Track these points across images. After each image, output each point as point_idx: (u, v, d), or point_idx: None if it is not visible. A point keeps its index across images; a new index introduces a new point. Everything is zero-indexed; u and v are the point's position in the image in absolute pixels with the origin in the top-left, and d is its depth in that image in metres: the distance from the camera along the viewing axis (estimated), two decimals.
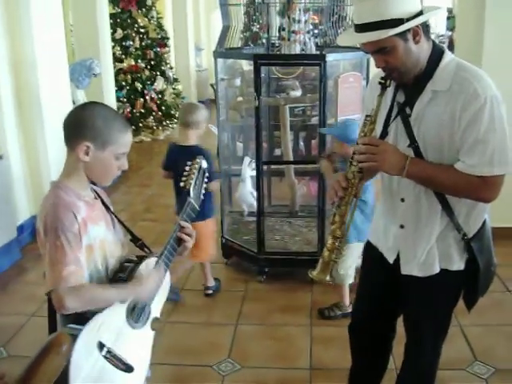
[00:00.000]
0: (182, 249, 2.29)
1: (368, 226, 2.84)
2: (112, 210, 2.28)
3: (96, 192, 2.21)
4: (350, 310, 4.03)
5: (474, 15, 5.19)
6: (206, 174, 2.42)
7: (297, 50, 4.79)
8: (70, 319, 1.95)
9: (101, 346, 1.95)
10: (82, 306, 1.92)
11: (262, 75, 4.53)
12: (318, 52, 4.95)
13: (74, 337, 1.85)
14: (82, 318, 1.93)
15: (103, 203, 2.22)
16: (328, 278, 2.31)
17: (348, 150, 3.62)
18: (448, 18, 14.95)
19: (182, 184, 2.32)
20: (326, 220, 4.61)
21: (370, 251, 2.63)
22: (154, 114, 10.42)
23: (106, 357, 1.95)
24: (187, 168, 2.35)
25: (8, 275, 4.96)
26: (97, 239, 2.06)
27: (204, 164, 2.40)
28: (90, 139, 2.00)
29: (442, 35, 14.84)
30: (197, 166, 2.36)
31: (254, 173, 5.01)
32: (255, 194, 5.04)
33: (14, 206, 5.32)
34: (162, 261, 2.18)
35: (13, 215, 5.27)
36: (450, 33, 14.58)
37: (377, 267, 2.59)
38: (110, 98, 8.41)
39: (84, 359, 1.87)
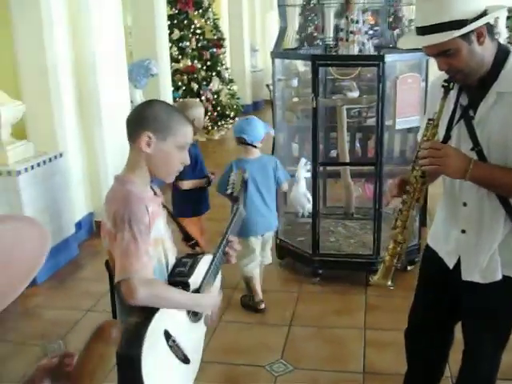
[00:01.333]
0: (225, 260, 2.32)
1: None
2: (168, 209, 2.31)
3: (154, 190, 2.24)
4: (260, 306, 4.29)
5: None
6: (248, 186, 2.52)
7: (355, 50, 4.75)
8: (131, 311, 1.97)
9: (167, 334, 1.99)
10: (151, 300, 1.96)
11: (319, 76, 4.51)
12: (377, 53, 4.91)
13: (139, 326, 1.89)
14: (144, 310, 1.96)
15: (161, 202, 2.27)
16: (390, 282, 2.28)
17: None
18: (508, 18, 14.53)
19: (228, 191, 2.43)
20: (382, 222, 4.56)
21: (430, 255, 2.58)
22: (209, 114, 10.49)
23: (170, 346, 2.00)
24: (232, 176, 2.45)
25: (65, 271, 5.08)
26: (160, 233, 2.12)
27: (246, 176, 2.46)
28: (151, 130, 2.05)
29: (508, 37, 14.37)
30: (240, 177, 2.42)
31: (308, 174, 5.01)
32: (309, 196, 5.04)
33: (72, 203, 5.44)
34: (219, 258, 2.22)
35: (71, 212, 5.38)
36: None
37: (436, 272, 2.55)
38: (167, 98, 8.49)
39: (152, 347, 1.91)
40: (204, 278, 2.16)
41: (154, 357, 1.92)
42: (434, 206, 2.64)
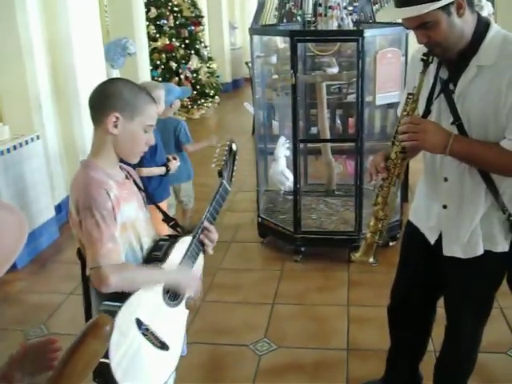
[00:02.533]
0: (207, 247, 2.25)
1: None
2: (143, 189, 2.26)
3: (127, 172, 2.20)
4: None
5: None
6: (237, 157, 2.40)
7: (334, 26, 4.70)
8: (105, 297, 1.94)
9: (139, 322, 1.95)
10: (124, 285, 1.92)
11: (298, 52, 4.46)
12: (356, 28, 4.87)
13: (112, 313, 1.85)
14: (118, 296, 1.92)
15: (135, 183, 2.21)
16: (371, 259, 2.28)
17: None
18: None
19: (213, 166, 2.29)
20: (364, 199, 4.56)
21: (411, 230, 2.58)
22: None
23: (143, 334, 1.96)
24: (217, 150, 2.32)
25: (46, 254, 5.03)
26: (129, 218, 2.05)
27: (234, 146, 2.37)
28: (118, 109, 1.98)
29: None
30: (227, 147, 2.34)
31: (287, 153, 4.99)
32: (287, 174, 5.02)
33: (51, 185, 5.37)
34: (195, 246, 2.17)
35: (50, 194, 5.32)
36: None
37: (418, 247, 2.54)
38: (145, 78, 8.40)
39: (123, 335, 1.88)
40: (181, 262, 2.12)
41: (125, 346, 1.88)
42: (416, 181, 2.63)
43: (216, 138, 4.83)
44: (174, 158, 4.22)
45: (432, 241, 2.42)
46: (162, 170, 4.09)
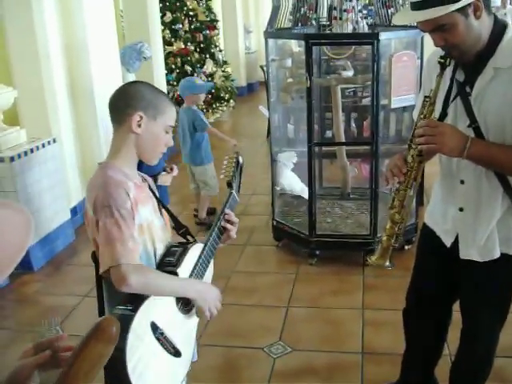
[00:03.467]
0: (226, 237, 2.26)
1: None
2: (157, 196, 2.26)
3: (142, 176, 2.20)
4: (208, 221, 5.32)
5: None
6: (243, 170, 2.43)
7: (349, 29, 4.70)
8: (117, 301, 1.93)
9: (154, 326, 1.94)
10: (143, 287, 1.91)
11: (313, 56, 4.46)
12: (371, 31, 4.86)
13: (125, 317, 1.84)
14: (130, 300, 1.91)
15: (149, 188, 2.21)
16: (388, 263, 2.27)
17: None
18: None
19: (221, 176, 2.33)
20: (379, 202, 4.55)
21: (427, 233, 2.57)
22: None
23: (158, 338, 1.94)
24: (225, 162, 2.35)
25: (62, 256, 5.07)
26: (146, 221, 2.05)
27: (241, 159, 2.41)
28: (141, 109, 2.01)
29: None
30: (234, 160, 2.36)
31: (291, 165, 5.07)
32: (295, 185, 5.06)
33: (67, 188, 5.41)
34: (209, 249, 2.17)
35: (66, 197, 5.36)
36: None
37: (433, 250, 2.53)
38: (160, 81, 8.45)
39: (139, 339, 1.86)
40: (194, 268, 2.11)
41: (141, 350, 1.87)
42: (431, 184, 2.61)
43: (235, 144, 5.51)
44: (172, 169, 4.20)
45: (448, 244, 2.41)
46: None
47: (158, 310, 1.98)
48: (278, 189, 5.11)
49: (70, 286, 4.52)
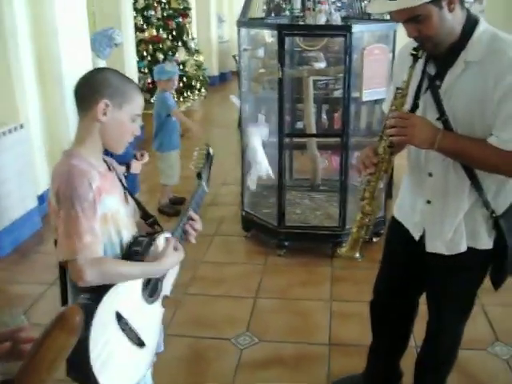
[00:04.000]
0: (185, 238, 2.23)
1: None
2: (125, 184, 2.23)
3: (109, 164, 2.15)
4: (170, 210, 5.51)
5: None
6: (213, 162, 2.42)
7: (322, 20, 4.69)
8: (82, 289, 1.90)
9: (119, 316, 1.92)
10: (102, 279, 1.88)
11: (286, 46, 4.45)
12: (344, 23, 4.86)
13: (89, 306, 1.82)
14: (95, 289, 1.89)
15: (117, 176, 2.17)
16: (357, 254, 2.27)
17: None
18: None
19: (192, 167, 2.31)
20: (348, 194, 4.56)
21: (395, 226, 2.58)
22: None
23: (122, 328, 1.92)
24: (195, 153, 2.34)
25: (28, 244, 4.99)
26: (111, 210, 2.00)
27: (211, 151, 2.39)
28: (107, 97, 1.95)
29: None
30: (205, 151, 2.35)
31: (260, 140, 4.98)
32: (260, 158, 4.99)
33: (35, 175, 5.32)
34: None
35: (33, 184, 5.27)
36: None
37: (401, 243, 2.54)
38: (132, 69, 8.36)
39: (103, 327, 1.84)
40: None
41: (105, 339, 1.85)
42: (400, 178, 2.62)
43: (200, 131, 5.65)
44: (142, 156, 4.15)
45: (416, 237, 2.42)
46: (121, 169, 3.98)
47: (123, 299, 1.95)
48: (251, 173, 5.04)
49: (37, 274, 4.45)
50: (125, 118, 2.01)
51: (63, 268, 1.97)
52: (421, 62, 2.17)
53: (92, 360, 1.79)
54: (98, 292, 1.87)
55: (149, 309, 2.08)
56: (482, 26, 2.10)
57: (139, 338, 2.00)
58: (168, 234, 2.15)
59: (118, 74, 2.06)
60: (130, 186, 3.99)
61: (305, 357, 3.45)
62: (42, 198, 5.41)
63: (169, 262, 2.07)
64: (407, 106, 2.21)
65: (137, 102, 2.04)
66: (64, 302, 2.06)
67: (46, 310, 3.85)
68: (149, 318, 2.10)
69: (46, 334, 1.29)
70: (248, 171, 5.04)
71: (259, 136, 4.91)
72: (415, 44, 2.12)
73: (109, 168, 2.11)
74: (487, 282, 2.45)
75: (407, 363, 2.91)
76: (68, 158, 1.97)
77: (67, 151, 2.02)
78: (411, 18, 2.02)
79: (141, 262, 2.03)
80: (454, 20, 2.05)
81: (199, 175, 2.30)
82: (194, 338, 3.63)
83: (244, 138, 5.03)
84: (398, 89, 2.17)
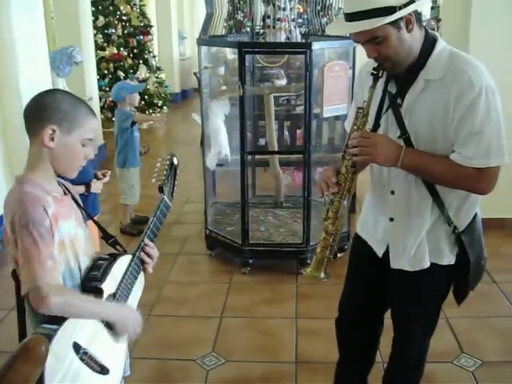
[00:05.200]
0: (144, 268, 2.19)
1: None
2: (81, 205, 2.18)
3: (65, 187, 2.10)
4: (132, 231, 5.43)
5: (460, 3, 5.16)
6: (177, 171, 2.35)
7: (282, 38, 4.72)
8: (42, 319, 1.84)
9: (76, 346, 1.85)
10: (62, 309, 1.81)
11: (247, 64, 4.46)
12: (304, 40, 4.89)
13: (49, 337, 1.75)
14: (56, 319, 1.82)
15: (73, 199, 2.12)
16: (322, 275, 2.26)
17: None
18: (432, 8, 14.88)
19: (153, 180, 2.25)
20: (312, 210, 4.57)
21: (359, 243, 2.58)
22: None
23: (81, 358, 1.86)
24: (158, 164, 2.27)
25: None
26: (67, 236, 1.95)
27: (175, 160, 2.33)
28: (55, 122, 1.89)
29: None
30: (168, 162, 2.28)
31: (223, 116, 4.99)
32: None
33: None
34: (135, 265, 2.12)
35: None
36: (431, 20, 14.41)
37: (365, 260, 2.54)
38: (92, 87, 8.28)
39: (59, 361, 1.77)
40: (121, 281, 2.05)
41: (63, 373, 1.77)
42: (363, 192, 2.63)
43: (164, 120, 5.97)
44: (104, 176, 4.09)
45: (380, 254, 2.43)
46: (80, 189, 3.81)
47: (81, 327, 1.89)
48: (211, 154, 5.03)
49: None
50: (74, 142, 1.95)
51: (20, 299, 1.91)
52: (382, 81, 2.18)
53: None
54: (59, 323, 1.81)
55: (110, 334, 2.03)
56: (441, 45, 2.13)
57: (102, 366, 1.94)
58: (128, 256, 2.11)
59: (68, 96, 2.00)
60: (91, 207, 3.93)
61: (272, 376, 3.42)
62: (0, 220, 5.29)
63: (129, 314, 2.09)
64: (369, 126, 2.23)
65: (87, 126, 1.98)
66: (22, 332, 2.00)
67: (5, 336, 3.74)
68: (111, 343, 2.04)
69: (8, 365, 1.25)
70: (208, 151, 5.03)
71: (222, 114, 4.87)
72: (374, 63, 2.13)
73: (64, 192, 2.06)
74: (451, 295, 2.47)
75: (374, 378, 2.90)
76: (20, 184, 1.91)
77: (19, 177, 1.96)
78: (370, 40, 2.04)
79: (103, 302, 1.98)
80: (412, 40, 2.07)
81: (161, 189, 2.23)
82: (159, 360, 3.57)
83: (205, 115, 5.05)
84: (359, 109, 2.18)
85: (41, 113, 1.92)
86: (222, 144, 4.93)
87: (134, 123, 5.47)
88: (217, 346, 3.71)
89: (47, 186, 1.95)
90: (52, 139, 1.90)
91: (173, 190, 2.32)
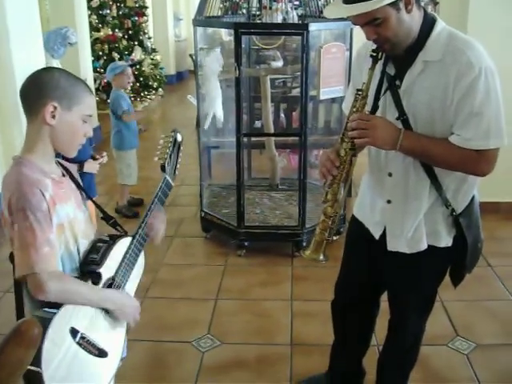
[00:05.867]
0: (154, 235, 2.19)
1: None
2: (82, 186, 2.15)
3: (64, 168, 2.08)
4: (128, 212, 5.49)
5: None
6: (181, 148, 2.32)
7: (279, 19, 4.68)
8: (40, 303, 1.83)
9: (74, 332, 1.84)
10: (60, 295, 1.80)
11: (243, 45, 4.42)
12: (301, 21, 4.86)
13: (46, 321, 1.75)
14: (54, 303, 1.81)
15: (72, 179, 2.09)
16: (321, 257, 2.25)
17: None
18: None
19: (155, 159, 2.21)
20: (307, 193, 4.56)
21: (356, 226, 2.57)
22: (131, 85, 10.25)
23: (79, 343, 1.85)
24: (161, 141, 2.23)
25: None
26: (66, 218, 1.93)
27: (179, 137, 2.29)
28: (55, 99, 1.86)
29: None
30: (171, 139, 2.25)
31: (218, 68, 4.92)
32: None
33: None
34: (135, 247, 2.10)
35: None
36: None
37: (362, 242, 2.54)
38: (87, 68, 8.23)
39: (57, 347, 1.77)
40: (120, 264, 2.03)
41: (60, 358, 1.77)
42: (359, 176, 2.62)
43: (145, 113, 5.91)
44: (101, 157, 4.06)
45: (377, 236, 2.42)
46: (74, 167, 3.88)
47: (79, 312, 1.88)
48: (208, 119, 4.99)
49: None
50: (75, 119, 1.92)
51: (18, 281, 1.90)
52: (380, 63, 2.16)
53: (46, 380, 1.72)
54: (57, 307, 1.80)
55: (109, 317, 2.02)
56: (440, 26, 2.11)
57: (99, 349, 1.93)
58: (128, 239, 2.10)
59: (65, 73, 1.96)
60: (87, 189, 3.90)
61: (267, 358, 3.43)
62: None
63: (128, 301, 2.09)
64: (368, 108, 2.21)
65: (87, 103, 1.96)
66: (19, 315, 1.98)
67: (1, 319, 3.74)
68: (110, 326, 2.03)
69: (1, 349, 1.24)
70: (205, 114, 5.01)
71: (217, 67, 4.81)
72: (372, 44, 2.10)
73: (63, 173, 2.04)
74: (446, 278, 2.47)
75: (369, 361, 2.92)
76: (18, 165, 1.88)
77: (17, 158, 1.92)
78: (370, 22, 2.01)
79: (101, 289, 1.97)
80: (411, 21, 2.05)
81: (163, 168, 2.20)
82: (154, 342, 3.57)
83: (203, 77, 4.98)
84: (358, 90, 2.16)
85: (39, 90, 1.88)
86: (218, 111, 4.89)
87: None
88: (212, 328, 3.71)
89: (45, 167, 1.92)
90: (53, 116, 1.87)
91: (175, 167, 2.28)
